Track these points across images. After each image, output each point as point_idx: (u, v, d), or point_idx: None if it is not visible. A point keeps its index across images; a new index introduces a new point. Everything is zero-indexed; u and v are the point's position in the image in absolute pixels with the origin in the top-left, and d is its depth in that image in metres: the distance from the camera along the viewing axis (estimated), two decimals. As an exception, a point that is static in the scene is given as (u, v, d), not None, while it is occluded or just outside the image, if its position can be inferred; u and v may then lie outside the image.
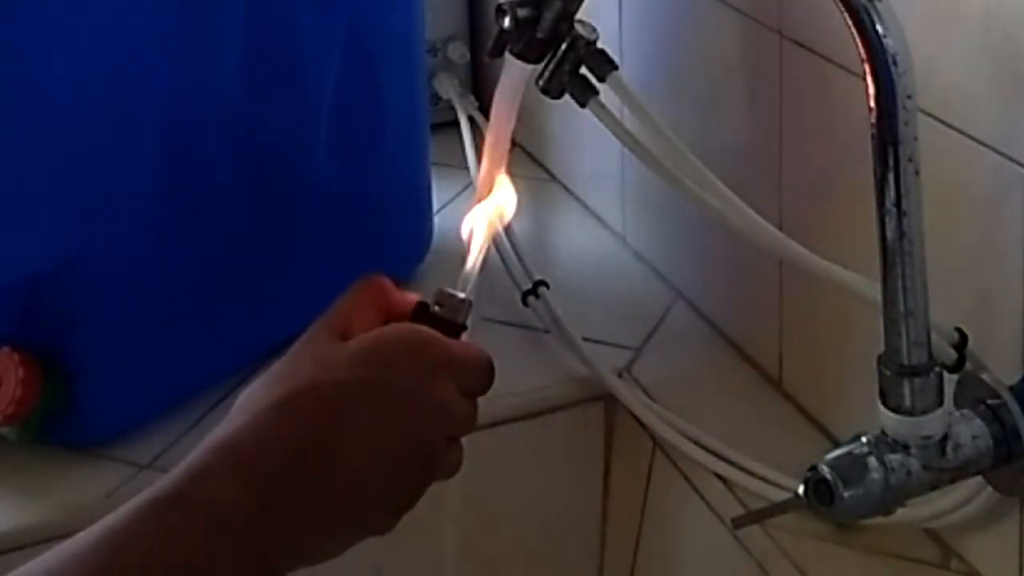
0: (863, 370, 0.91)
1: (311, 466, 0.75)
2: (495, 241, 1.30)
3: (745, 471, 1.10)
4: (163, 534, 0.73)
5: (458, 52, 1.59)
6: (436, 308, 0.88)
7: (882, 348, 0.86)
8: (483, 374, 0.83)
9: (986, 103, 0.92)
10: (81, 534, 0.73)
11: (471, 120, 1.53)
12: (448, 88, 1.58)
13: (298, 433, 0.76)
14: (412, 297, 0.87)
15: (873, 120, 0.82)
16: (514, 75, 0.97)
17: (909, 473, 0.86)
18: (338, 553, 0.78)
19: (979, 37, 0.91)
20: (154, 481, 1.11)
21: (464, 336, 0.88)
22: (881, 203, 0.83)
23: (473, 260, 0.90)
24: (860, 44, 0.81)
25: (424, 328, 0.84)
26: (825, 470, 0.86)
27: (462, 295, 0.88)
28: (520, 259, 1.31)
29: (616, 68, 0.96)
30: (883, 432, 0.87)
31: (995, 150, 0.91)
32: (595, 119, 0.97)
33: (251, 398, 0.78)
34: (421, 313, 0.88)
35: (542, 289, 1.28)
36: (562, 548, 1.23)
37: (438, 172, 1.39)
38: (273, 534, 0.74)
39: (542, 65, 0.97)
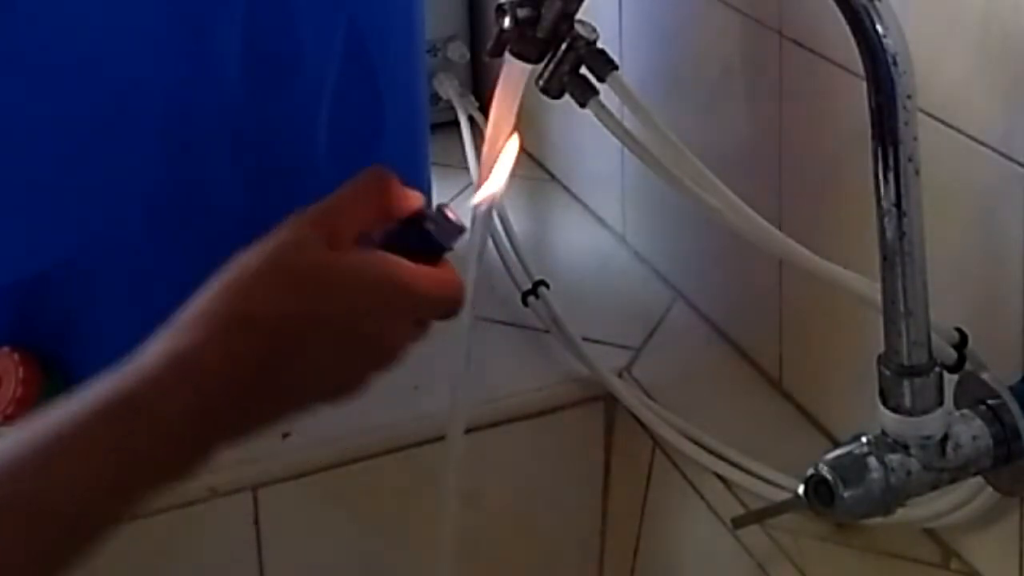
0: (863, 370, 0.91)
1: (258, 387, 0.79)
2: (495, 241, 1.30)
3: (745, 471, 1.10)
4: (111, 442, 0.75)
5: (458, 52, 1.59)
6: (430, 225, 0.89)
7: (882, 348, 0.86)
8: (447, 307, 0.87)
9: (986, 103, 0.92)
10: (26, 432, 0.74)
11: (471, 120, 1.53)
12: (448, 88, 1.58)
13: (250, 357, 0.79)
14: (413, 201, 0.88)
15: (873, 120, 0.82)
16: (514, 75, 0.97)
17: (909, 473, 0.86)
18: None
19: (979, 37, 0.91)
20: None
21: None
22: (881, 203, 0.83)
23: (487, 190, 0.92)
24: (860, 44, 0.81)
25: (395, 266, 0.85)
26: (825, 470, 0.86)
27: (461, 223, 0.89)
28: (520, 259, 1.31)
29: (616, 68, 0.96)
30: (883, 432, 0.87)
31: (995, 150, 0.91)
32: (595, 119, 0.97)
33: (212, 304, 0.81)
34: (412, 224, 0.89)
35: (542, 289, 1.28)
36: (562, 548, 1.23)
37: (438, 172, 1.39)
38: (214, 441, 0.80)
39: (542, 65, 0.97)
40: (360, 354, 0.84)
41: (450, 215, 0.89)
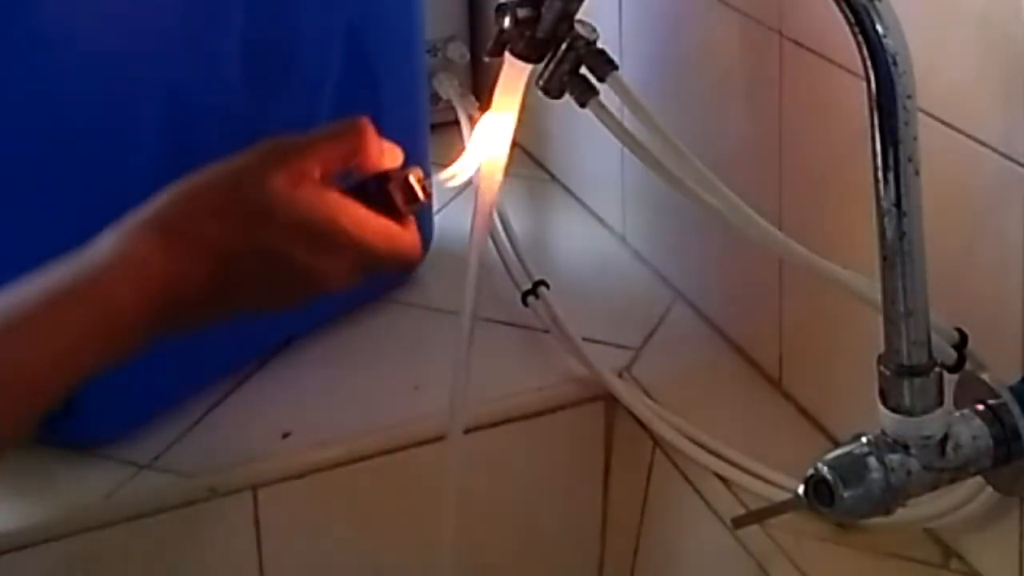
0: (863, 370, 0.91)
1: (196, 300, 0.88)
2: (495, 241, 1.30)
3: (745, 471, 1.10)
4: (61, 327, 0.83)
5: (458, 52, 1.59)
6: (393, 187, 0.95)
7: (882, 348, 0.86)
8: (395, 260, 0.94)
9: (986, 103, 0.92)
10: None
11: (471, 120, 1.53)
12: (448, 88, 1.57)
13: (191, 275, 0.87)
14: (387, 158, 0.95)
15: (873, 120, 0.82)
16: (514, 75, 0.98)
17: (909, 473, 0.86)
18: None
19: (979, 37, 0.91)
20: (154, 482, 1.12)
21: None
22: (881, 203, 0.83)
23: (463, 167, 0.99)
24: (860, 44, 0.81)
25: (345, 209, 0.91)
26: (825, 470, 0.86)
27: (423, 196, 0.96)
28: (520, 259, 1.31)
29: (616, 68, 0.96)
30: (883, 432, 0.87)
31: (995, 150, 0.91)
32: (595, 119, 0.97)
33: (166, 215, 0.88)
34: (378, 180, 0.95)
35: (542, 289, 1.28)
36: (562, 548, 1.23)
37: (438, 172, 1.39)
38: (154, 334, 0.88)
39: (542, 65, 0.97)
40: (295, 283, 0.91)
41: (415, 185, 0.94)
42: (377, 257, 0.93)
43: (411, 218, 0.98)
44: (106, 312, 0.84)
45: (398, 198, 0.96)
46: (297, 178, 0.91)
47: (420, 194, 0.97)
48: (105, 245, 0.86)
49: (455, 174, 0.99)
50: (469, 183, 1.01)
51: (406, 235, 0.95)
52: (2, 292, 0.83)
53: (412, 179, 0.97)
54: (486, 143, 0.99)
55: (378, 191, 0.96)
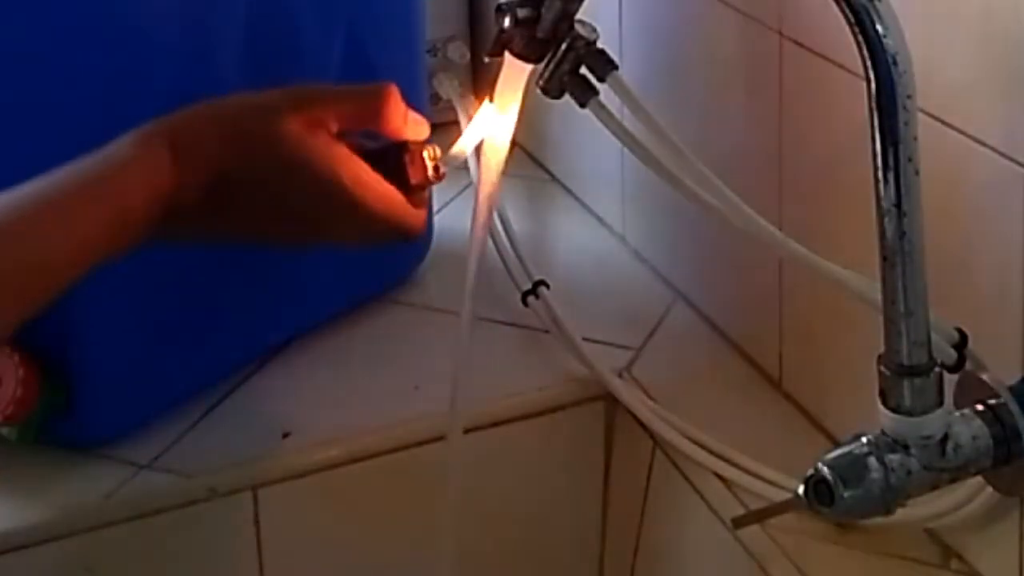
0: (863, 370, 0.91)
1: (203, 215, 0.92)
2: (495, 241, 1.30)
3: (745, 471, 1.10)
4: (78, 216, 0.88)
5: (458, 52, 1.59)
6: (407, 159, 0.96)
7: (882, 348, 0.86)
8: (390, 228, 0.95)
9: (986, 103, 0.92)
10: None
11: (471, 120, 1.53)
12: (448, 88, 1.57)
13: (191, 193, 0.91)
14: (411, 129, 0.97)
15: (873, 120, 0.82)
16: (514, 75, 0.98)
17: (909, 473, 0.86)
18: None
19: (979, 37, 0.91)
20: (154, 482, 1.12)
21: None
22: (881, 203, 0.83)
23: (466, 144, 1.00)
24: (860, 44, 0.81)
25: (350, 166, 0.93)
26: (825, 470, 0.86)
27: (434, 174, 0.96)
28: (520, 259, 1.31)
29: (616, 68, 0.97)
30: (883, 432, 0.87)
31: (995, 150, 0.91)
32: (595, 119, 0.97)
33: (186, 131, 0.92)
34: (394, 149, 0.96)
35: (542, 289, 1.28)
36: (562, 548, 1.23)
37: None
38: (160, 237, 0.92)
39: (542, 65, 0.97)
40: (286, 223, 0.94)
41: (428, 163, 0.94)
42: (372, 220, 0.94)
43: (423, 195, 0.97)
44: (117, 210, 0.88)
45: (410, 170, 0.96)
46: (311, 124, 0.93)
47: (430, 171, 0.96)
48: (122, 149, 0.90)
49: (458, 153, 0.99)
50: (469, 184, 1.01)
51: (408, 208, 0.96)
52: (27, 182, 0.88)
53: (425, 154, 0.97)
54: (485, 126, 0.99)
55: (395, 160, 0.96)
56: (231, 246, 1.01)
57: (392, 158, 0.96)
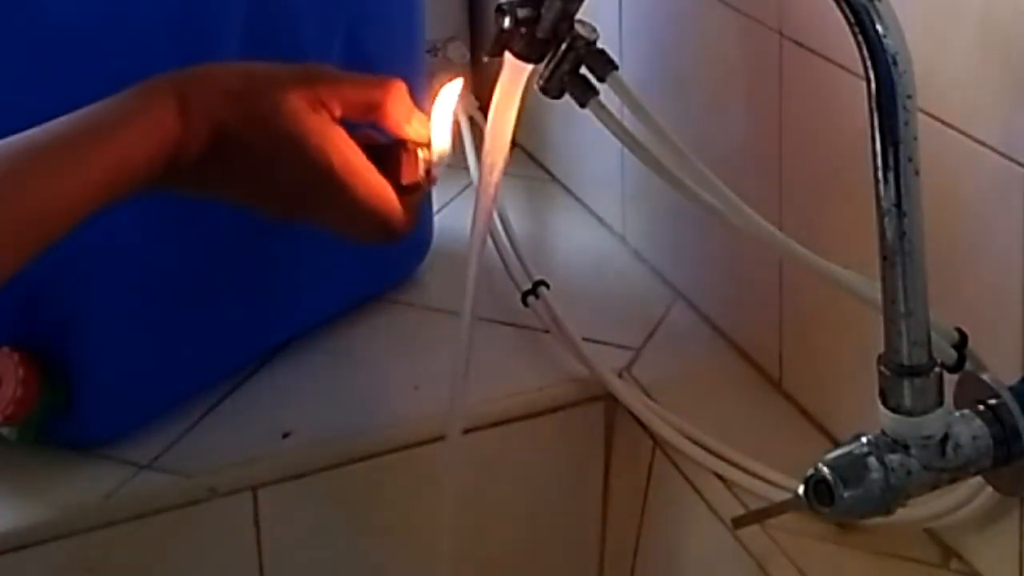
0: (863, 370, 0.91)
1: (202, 170, 0.92)
2: (495, 241, 1.30)
3: (745, 471, 1.10)
4: (87, 160, 0.88)
5: (458, 52, 1.59)
6: (404, 157, 0.96)
7: (882, 348, 0.86)
8: (372, 222, 0.95)
9: (986, 103, 0.92)
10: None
11: (471, 120, 1.53)
12: (448, 88, 1.57)
13: (207, 144, 0.92)
14: (409, 128, 0.97)
15: (873, 120, 0.82)
16: (514, 75, 0.98)
17: (909, 473, 0.86)
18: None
19: (979, 37, 0.91)
20: (154, 482, 1.12)
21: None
22: (881, 203, 0.83)
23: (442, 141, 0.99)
24: (860, 44, 0.81)
25: (343, 151, 0.93)
26: (825, 470, 0.86)
27: (425, 179, 0.96)
28: (520, 259, 1.31)
29: (616, 68, 0.96)
30: (883, 432, 0.87)
31: (995, 150, 0.91)
32: (595, 119, 0.97)
33: (190, 87, 0.92)
34: (395, 148, 0.96)
35: (542, 289, 1.28)
36: (562, 548, 1.23)
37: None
38: (161, 186, 0.92)
39: (542, 65, 0.97)
40: (275, 194, 0.94)
41: (421, 167, 0.94)
42: (357, 208, 0.94)
43: (415, 198, 0.97)
44: (121, 158, 0.89)
45: (404, 169, 0.96)
46: (313, 103, 0.94)
47: (421, 171, 0.96)
48: (128, 99, 0.91)
49: (439, 152, 0.99)
50: (469, 184, 1.01)
51: (396, 206, 0.96)
52: (35, 128, 0.89)
53: (420, 155, 0.96)
54: (448, 107, 1.00)
55: (395, 158, 0.96)
56: (228, 227, 1.04)
57: (392, 155, 0.96)
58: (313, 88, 0.94)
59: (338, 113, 0.95)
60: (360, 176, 0.94)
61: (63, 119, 0.90)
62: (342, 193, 0.93)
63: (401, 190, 0.96)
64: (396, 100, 0.97)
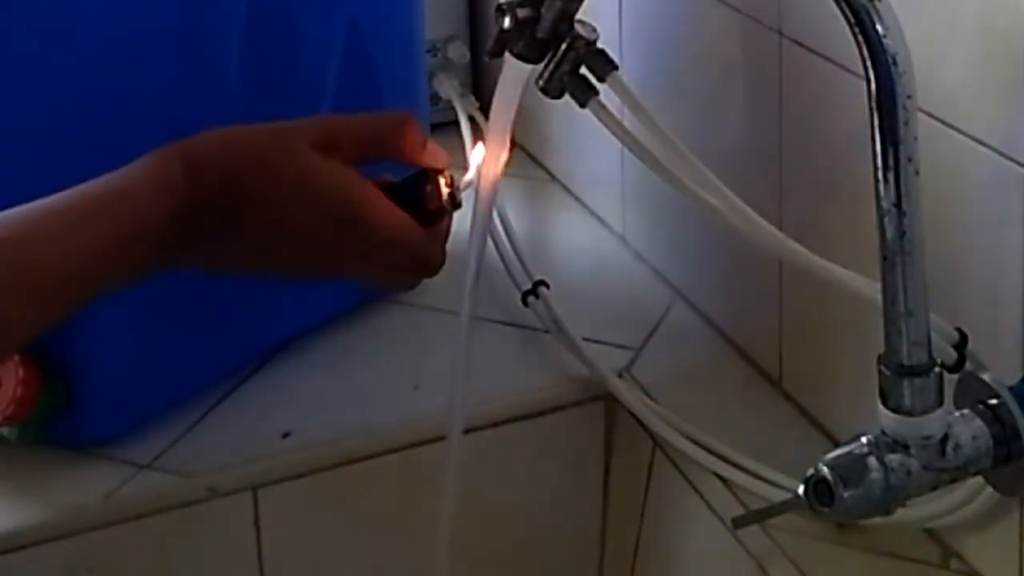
0: (863, 370, 0.91)
1: (218, 236, 0.91)
2: (495, 241, 1.30)
3: (745, 471, 1.10)
4: (96, 229, 0.87)
5: (458, 52, 1.59)
6: (429, 188, 0.95)
7: (882, 348, 0.86)
8: (406, 264, 0.94)
9: (986, 103, 0.92)
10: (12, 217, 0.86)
11: (471, 120, 1.53)
12: (448, 88, 1.57)
13: (219, 208, 0.90)
14: (429, 157, 0.95)
15: (873, 120, 0.82)
16: (514, 75, 0.98)
17: (909, 473, 0.86)
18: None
19: (979, 37, 0.91)
20: (154, 482, 1.12)
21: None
22: (881, 203, 0.83)
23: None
24: (860, 44, 0.81)
25: (367, 195, 0.92)
26: (825, 470, 0.86)
27: (450, 203, 0.95)
28: (520, 259, 1.31)
29: (616, 68, 0.97)
30: (883, 432, 0.87)
31: (995, 150, 0.91)
32: (595, 119, 0.97)
33: (206, 158, 0.91)
34: (411, 182, 0.94)
35: (542, 289, 1.28)
36: (562, 548, 1.23)
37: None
38: (170, 259, 0.91)
39: (542, 65, 0.97)
40: (297, 249, 0.92)
41: (443, 190, 0.93)
42: (387, 248, 0.93)
43: (441, 227, 0.96)
44: (132, 226, 0.87)
45: (427, 198, 0.94)
46: (326, 149, 0.92)
47: (445, 198, 0.95)
48: (138, 167, 0.90)
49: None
50: (469, 184, 1.01)
51: (424, 239, 0.94)
52: (40, 200, 0.87)
53: (442, 181, 0.95)
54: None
55: (414, 191, 0.95)
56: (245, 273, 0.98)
57: (410, 189, 0.95)
58: (322, 135, 0.92)
59: (351, 155, 0.93)
60: (381, 213, 0.92)
61: (72, 190, 0.88)
62: (369, 234, 0.92)
63: (426, 220, 0.94)
64: (407, 129, 0.95)
